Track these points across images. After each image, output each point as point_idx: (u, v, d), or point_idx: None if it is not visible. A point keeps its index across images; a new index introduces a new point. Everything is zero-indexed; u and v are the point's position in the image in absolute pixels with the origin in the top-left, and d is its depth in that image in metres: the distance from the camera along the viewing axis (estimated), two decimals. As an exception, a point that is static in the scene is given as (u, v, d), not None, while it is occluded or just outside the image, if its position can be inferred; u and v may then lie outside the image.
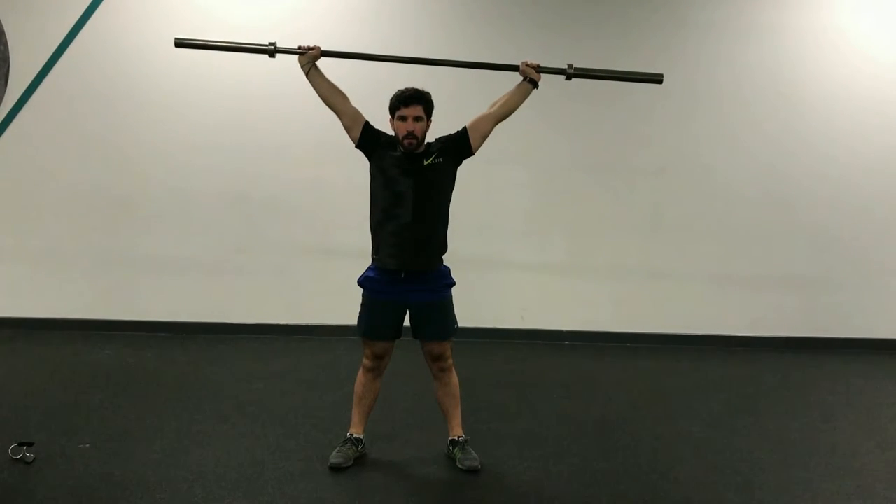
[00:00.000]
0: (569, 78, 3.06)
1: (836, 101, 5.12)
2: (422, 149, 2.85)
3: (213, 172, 4.98)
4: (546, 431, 3.35)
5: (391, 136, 2.89)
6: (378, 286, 2.89)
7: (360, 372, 2.98)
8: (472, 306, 4.52)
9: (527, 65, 2.95)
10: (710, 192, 5.17)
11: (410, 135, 2.79)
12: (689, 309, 5.23)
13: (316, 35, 4.24)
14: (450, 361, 2.96)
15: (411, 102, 2.79)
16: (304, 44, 2.93)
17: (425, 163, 2.84)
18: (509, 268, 5.17)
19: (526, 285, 5.18)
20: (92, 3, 4.81)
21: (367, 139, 2.88)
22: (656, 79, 3.16)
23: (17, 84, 4.84)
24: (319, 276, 5.06)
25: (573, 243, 5.19)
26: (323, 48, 2.93)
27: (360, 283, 2.94)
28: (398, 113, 2.81)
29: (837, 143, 5.15)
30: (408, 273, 2.85)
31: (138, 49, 4.89)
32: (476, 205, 4.81)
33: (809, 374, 4.66)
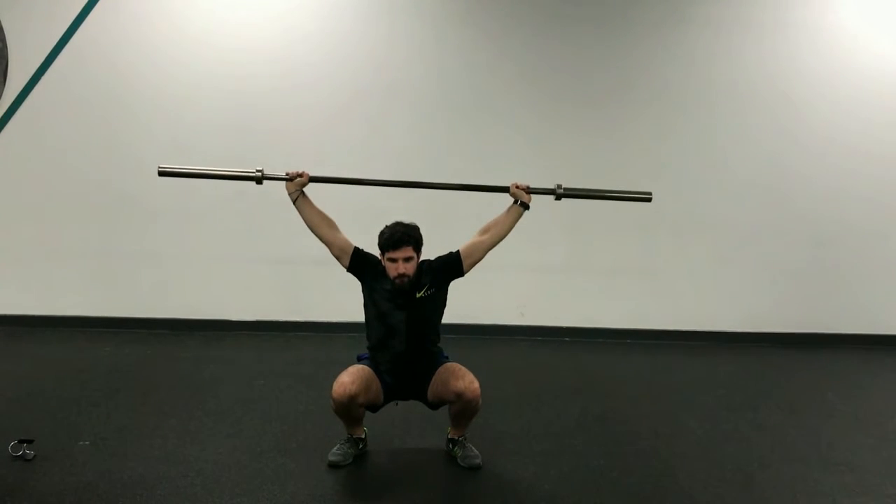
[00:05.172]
0: (558, 198, 3.09)
1: (834, 96, 5.11)
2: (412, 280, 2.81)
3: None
4: (546, 428, 3.36)
5: (381, 262, 2.85)
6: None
7: (333, 405, 2.78)
8: (472, 303, 4.53)
9: (517, 187, 2.96)
10: (708, 188, 5.17)
11: (402, 276, 2.76)
12: (688, 305, 5.24)
13: (307, 28, 4.23)
14: (476, 384, 2.78)
15: (400, 245, 2.74)
16: (293, 170, 2.90)
17: (417, 296, 2.82)
18: (509, 265, 5.16)
19: (525, 282, 5.18)
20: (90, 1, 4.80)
21: (357, 268, 2.88)
22: (646, 197, 3.18)
23: (16, 80, 4.83)
24: (319, 273, 5.02)
25: (572, 240, 5.18)
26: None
27: (359, 360, 2.95)
28: (388, 255, 2.77)
29: (834, 139, 5.14)
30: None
31: (139, 45, 4.87)
32: (475, 201, 4.76)
33: (808, 369, 4.67)
